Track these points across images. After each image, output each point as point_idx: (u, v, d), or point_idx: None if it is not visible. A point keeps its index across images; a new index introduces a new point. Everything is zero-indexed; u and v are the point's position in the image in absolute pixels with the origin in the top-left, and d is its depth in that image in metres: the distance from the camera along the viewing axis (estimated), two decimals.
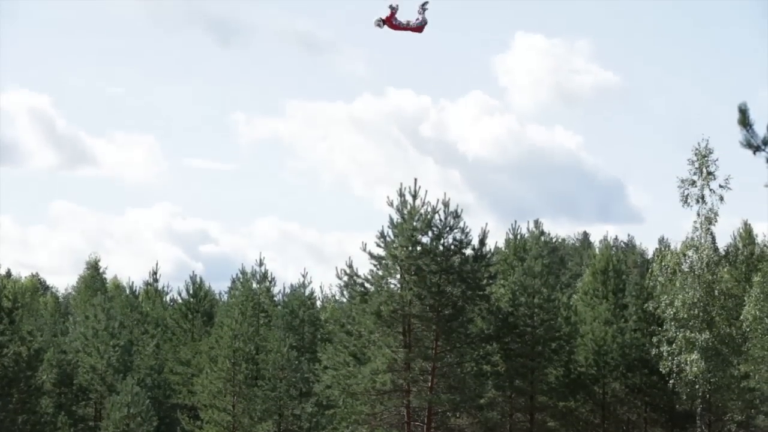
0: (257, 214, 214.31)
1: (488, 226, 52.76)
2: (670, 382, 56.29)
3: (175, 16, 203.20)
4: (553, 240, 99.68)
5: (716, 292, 56.61)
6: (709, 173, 56.39)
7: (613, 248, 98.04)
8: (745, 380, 56.46)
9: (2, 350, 56.95)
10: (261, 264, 73.07)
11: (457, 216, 50.69)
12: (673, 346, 55.95)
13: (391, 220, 50.43)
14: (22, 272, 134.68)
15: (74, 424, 63.79)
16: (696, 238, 56.73)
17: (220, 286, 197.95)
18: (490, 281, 52.27)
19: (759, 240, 68.10)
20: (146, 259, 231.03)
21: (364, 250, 50.12)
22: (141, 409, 58.35)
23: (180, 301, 74.06)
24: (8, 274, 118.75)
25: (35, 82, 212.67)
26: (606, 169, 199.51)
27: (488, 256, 52.13)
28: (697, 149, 56.78)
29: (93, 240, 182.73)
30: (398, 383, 49.57)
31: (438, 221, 50.50)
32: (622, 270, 65.17)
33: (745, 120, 14.14)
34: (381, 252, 50.21)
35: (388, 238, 50.19)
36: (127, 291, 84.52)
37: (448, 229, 50.59)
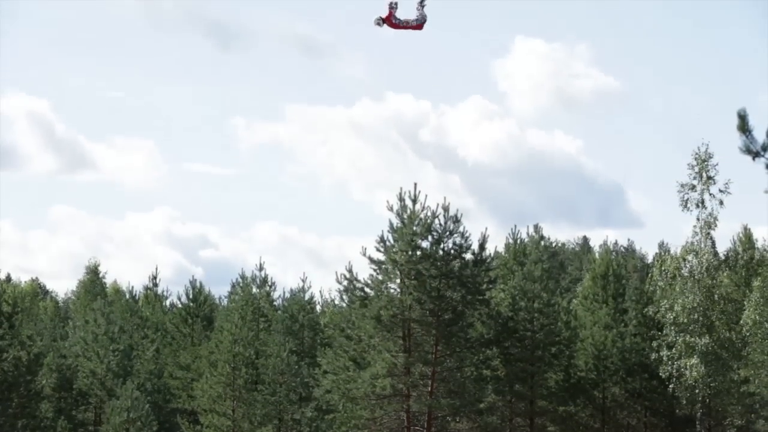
0: (257, 219, 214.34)
1: (488, 231, 52.93)
2: (670, 386, 56.28)
3: (175, 20, 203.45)
4: (553, 244, 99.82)
5: (716, 297, 56.63)
6: (709, 178, 56.41)
7: (613, 253, 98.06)
8: (745, 385, 56.46)
9: (2, 355, 56.95)
10: (261, 269, 73.15)
11: (456, 220, 50.72)
12: (673, 350, 55.95)
13: (391, 224, 50.44)
14: (21, 277, 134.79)
15: (74, 429, 63.79)
16: (696, 243, 56.75)
17: (219, 290, 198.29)
18: (490, 286, 52.27)
19: (759, 244, 68.09)
20: (146, 263, 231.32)
21: (364, 254, 50.18)
22: (141, 413, 58.32)
23: (180, 305, 74.06)
24: (8, 278, 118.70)
25: (34, 86, 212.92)
26: (606, 173, 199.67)
27: (488, 260, 52.15)
28: (697, 154, 56.82)
29: (93, 244, 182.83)
30: (398, 388, 49.56)
31: (438, 226, 50.53)
32: (622, 274, 65.14)
33: (744, 126, 14.14)
34: (381, 256, 50.22)
35: (387, 243, 50.20)
36: (127, 295, 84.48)
37: (448, 233, 50.61)
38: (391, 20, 29.67)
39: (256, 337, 60.95)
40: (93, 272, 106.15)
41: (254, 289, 70.58)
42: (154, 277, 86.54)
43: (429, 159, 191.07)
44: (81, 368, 66.75)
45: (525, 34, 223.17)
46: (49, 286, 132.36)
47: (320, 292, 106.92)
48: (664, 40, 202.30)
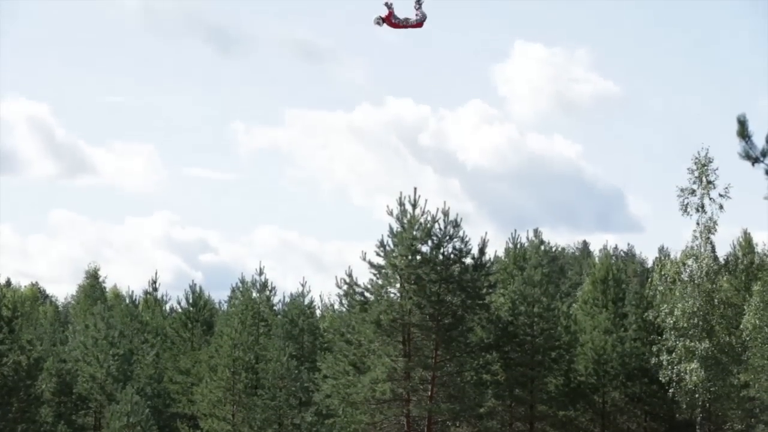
0: (257, 223, 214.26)
1: (488, 235, 52.86)
2: (670, 391, 56.28)
3: (174, 24, 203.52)
4: (553, 249, 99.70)
5: (716, 301, 56.64)
6: (709, 182, 56.44)
7: (613, 257, 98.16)
8: (745, 389, 56.44)
9: (2, 359, 56.93)
10: (261, 273, 73.06)
11: (456, 225, 50.75)
12: (673, 355, 55.95)
13: (391, 229, 50.48)
14: (21, 281, 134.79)
15: None
16: (696, 247, 56.77)
17: (219, 295, 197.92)
18: (490, 290, 52.29)
19: (759, 249, 68.12)
20: (146, 268, 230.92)
21: (364, 259, 50.20)
22: (140, 418, 58.27)
23: (180, 310, 74.02)
24: (8, 283, 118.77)
25: (34, 90, 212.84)
26: (606, 178, 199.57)
27: (488, 265, 52.16)
28: (696, 158, 56.86)
29: (92, 249, 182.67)
30: (398, 392, 49.55)
31: (438, 230, 50.56)
32: (621, 279, 65.16)
33: (743, 131, 14.16)
34: (381, 261, 50.26)
35: (387, 247, 50.22)
36: (127, 300, 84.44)
37: (447, 238, 50.63)
38: (390, 20, 29.66)
39: (255, 342, 60.91)
40: (93, 277, 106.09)
41: (254, 294, 70.51)
42: (154, 282, 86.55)
43: (429, 163, 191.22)
44: (81, 373, 66.70)
45: (525, 38, 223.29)
46: (49, 291, 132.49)
47: (320, 296, 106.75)
48: (663, 44, 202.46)
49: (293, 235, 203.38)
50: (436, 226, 50.48)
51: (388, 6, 29.58)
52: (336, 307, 69.24)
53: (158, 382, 68.25)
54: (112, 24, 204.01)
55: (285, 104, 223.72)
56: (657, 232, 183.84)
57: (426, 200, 50.62)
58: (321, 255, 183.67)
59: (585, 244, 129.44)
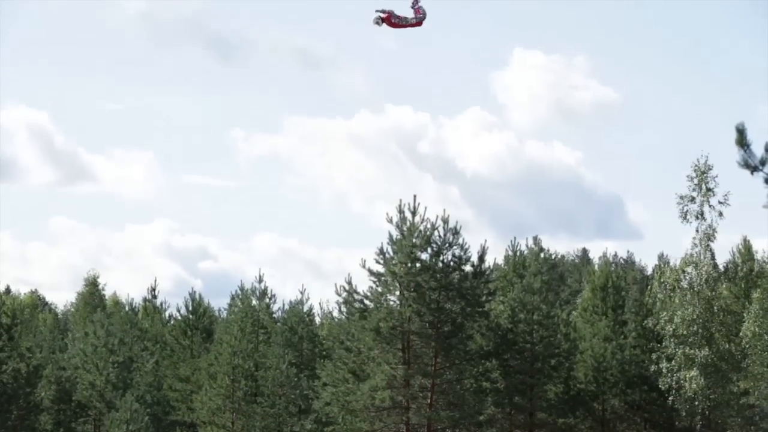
0: (256, 231, 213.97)
1: (487, 243, 52.80)
2: (670, 398, 56.24)
3: (174, 32, 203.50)
4: (553, 256, 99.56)
5: (715, 309, 56.62)
6: (709, 189, 56.44)
7: (613, 265, 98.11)
8: (745, 397, 56.41)
9: (1, 367, 56.99)
10: (261, 280, 73.03)
11: (456, 232, 50.77)
12: (673, 362, 55.92)
13: (391, 236, 50.49)
14: (21, 289, 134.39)
15: None
16: (695, 255, 56.76)
17: (218, 302, 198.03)
18: (490, 298, 52.29)
19: (758, 256, 68.03)
20: (145, 275, 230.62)
21: (364, 266, 50.22)
22: (140, 425, 58.28)
23: (179, 317, 73.98)
24: (7, 290, 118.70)
25: (34, 98, 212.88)
26: (605, 185, 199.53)
27: (487, 272, 52.17)
28: (696, 165, 56.87)
29: (92, 256, 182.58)
30: (397, 400, 49.53)
31: (437, 238, 50.58)
32: (621, 286, 65.12)
33: (742, 140, 14.18)
34: (380, 269, 50.26)
35: (387, 255, 50.23)
36: (127, 308, 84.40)
37: (447, 245, 50.66)
38: (390, 19, 29.67)
39: (255, 349, 60.90)
40: (92, 284, 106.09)
41: (254, 301, 70.49)
42: (153, 289, 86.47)
43: (428, 171, 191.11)
44: (80, 380, 66.69)
45: (524, 45, 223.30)
46: (49, 298, 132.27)
47: (320, 304, 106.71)
48: (662, 50, 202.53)
49: (293, 242, 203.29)
50: (436, 233, 50.52)
51: (384, 11, 29.59)
52: (335, 314, 69.21)
53: (158, 389, 68.21)
54: (112, 31, 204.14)
55: (284, 111, 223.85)
56: (656, 240, 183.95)
57: (426, 208, 50.71)
58: (320, 262, 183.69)
59: (584, 251, 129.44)
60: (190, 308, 72.67)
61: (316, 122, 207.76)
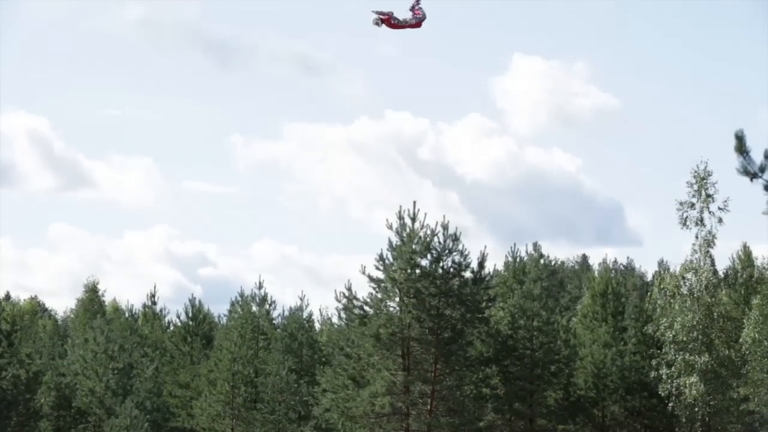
0: (255, 237, 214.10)
1: (487, 249, 52.79)
2: (670, 405, 56.20)
3: (173, 38, 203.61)
4: (553, 263, 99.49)
5: (715, 315, 56.58)
6: (708, 195, 56.41)
7: (613, 271, 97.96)
8: (745, 403, 56.38)
9: (1, 373, 56.96)
10: (260, 287, 72.98)
11: (456, 239, 50.76)
12: (673, 368, 55.89)
13: (390, 242, 50.49)
14: (20, 295, 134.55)
15: None
16: (695, 261, 56.73)
17: (218, 308, 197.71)
18: (489, 304, 52.28)
19: (758, 262, 68.03)
20: (145, 281, 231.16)
21: (363, 272, 50.21)
22: None
23: (179, 324, 73.97)
24: (7, 296, 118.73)
25: (34, 103, 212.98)
26: (605, 191, 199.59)
27: (487, 278, 52.18)
28: (695, 171, 56.84)
29: (91, 262, 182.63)
30: (397, 406, 49.50)
31: (437, 244, 50.58)
32: (621, 293, 65.07)
33: (741, 147, 14.18)
34: (380, 275, 50.24)
35: (387, 261, 50.23)
36: (126, 314, 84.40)
37: (447, 251, 50.65)
38: (390, 21, 29.68)
39: (255, 356, 60.89)
40: (92, 290, 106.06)
41: (253, 308, 70.47)
42: (153, 295, 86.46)
43: (428, 177, 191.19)
44: (80, 386, 66.66)
45: (523, 51, 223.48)
46: (48, 304, 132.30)
47: (320, 310, 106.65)
48: (662, 57, 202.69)
49: (292, 248, 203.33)
50: (436, 239, 50.52)
51: (381, 14, 29.58)
52: (335, 320, 69.20)
53: (157, 396, 68.18)
54: (111, 37, 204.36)
55: (284, 117, 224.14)
56: (656, 246, 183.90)
57: (425, 214, 50.71)
58: (320, 269, 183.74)
59: (584, 257, 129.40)
60: (190, 314, 72.67)
61: (315, 128, 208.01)
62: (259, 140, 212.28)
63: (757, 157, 14.45)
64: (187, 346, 71.16)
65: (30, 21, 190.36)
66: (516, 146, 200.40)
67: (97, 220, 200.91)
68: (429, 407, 49.35)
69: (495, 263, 66.77)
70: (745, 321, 56.44)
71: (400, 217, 50.68)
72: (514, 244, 68.04)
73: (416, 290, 49.48)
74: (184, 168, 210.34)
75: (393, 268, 49.97)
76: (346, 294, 50.94)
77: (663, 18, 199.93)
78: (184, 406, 64.88)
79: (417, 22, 29.90)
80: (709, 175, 56.61)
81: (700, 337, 55.55)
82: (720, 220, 56.22)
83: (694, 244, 56.71)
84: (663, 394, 56.22)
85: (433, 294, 49.59)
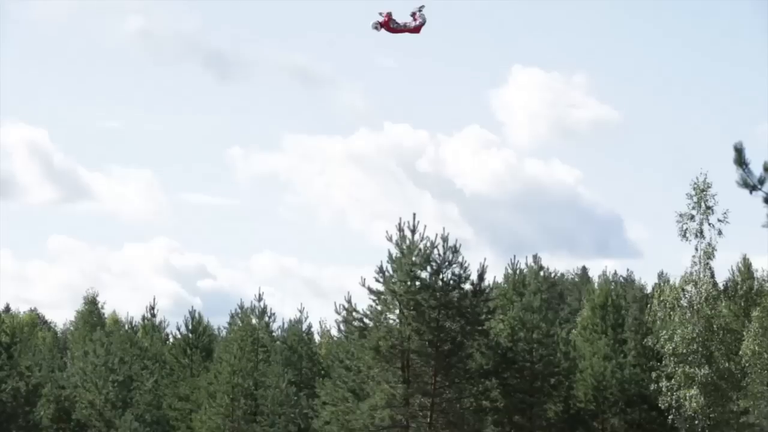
0: (255, 249, 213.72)
1: (487, 261, 52.80)
2: (670, 417, 56.14)
3: (173, 50, 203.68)
4: (552, 275, 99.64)
5: (715, 327, 56.53)
6: (708, 207, 56.41)
7: (612, 283, 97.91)
8: (745, 416, 56.32)
9: (0, 385, 56.88)
10: (260, 299, 72.91)
11: (455, 251, 50.78)
12: (673, 381, 55.83)
13: (390, 255, 50.48)
14: (20, 307, 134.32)
15: None
16: (695, 273, 56.70)
17: (218, 321, 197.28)
18: (489, 316, 52.27)
19: (758, 275, 67.93)
20: (144, 294, 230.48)
21: (363, 285, 50.22)
22: None
23: (179, 336, 73.91)
24: (7, 308, 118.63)
25: (33, 115, 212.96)
26: (604, 203, 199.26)
27: (487, 291, 52.17)
28: (695, 183, 56.85)
29: (91, 275, 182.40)
30: (397, 419, 49.47)
31: (437, 256, 50.58)
32: (621, 305, 65.05)
33: (740, 159, 14.21)
34: (380, 287, 50.25)
35: (386, 273, 50.22)
36: (126, 326, 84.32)
37: (446, 264, 50.66)
38: (389, 25, 29.68)
39: (255, 368, 60.82)
40: (91, 302, 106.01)
41: (253, 320, 70.43)
42: (152, 308, 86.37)
43: (427, 189, 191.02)
44: (79, 399, 66.57)
45: (522, 63, 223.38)
46: (48, 317, 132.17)
47: (320, 323, 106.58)
48: (662, 68, 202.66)
49: (292, 260, 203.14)
50: (435, 251, 50.54)
51: (381, 18, 29.59)
52: (334, 333, 69.18)
53: (157, 408, 68.07)
54: (111, 49, 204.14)
55: (283, 129, 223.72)
56: (656, 258, 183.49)
57: (425, 226, 50.72)
58: (319, 281, 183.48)
59: (584, 269, 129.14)
60: (190, 327, 72.63)
61: (315, 140, 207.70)
62: (259, 152, 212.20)
63: (757, 170, 14.48)
64: (187, 358, 71.09)
65: (30, 33, 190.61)
66: (515, 158, 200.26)
67: (96, 232, 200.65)
68: (429, 420, 49.30)
69: (495, 275, 66.95)
70: (744, 333, 56.40)
71: (400, 229, 50.70)
72: (514, 256, 67.99)
73: (416, 302, 49.46)
74: (183, 180, 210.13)
75: (393, 281, 49.98)
76: (346, 306, 50.95)
77: (663, 30, 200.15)
78: (183, 419, 64.78)
79: (416, 27, 29.89)
80: (709, 187, 56.65)
81: (700, 349, 55.50)
82: (720, 232, 56.24)
83: (693, 256, 56.71)
84: (663, 407, 56.16)
85: (432, 306, 49.58)
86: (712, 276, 57.32)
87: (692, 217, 56.50)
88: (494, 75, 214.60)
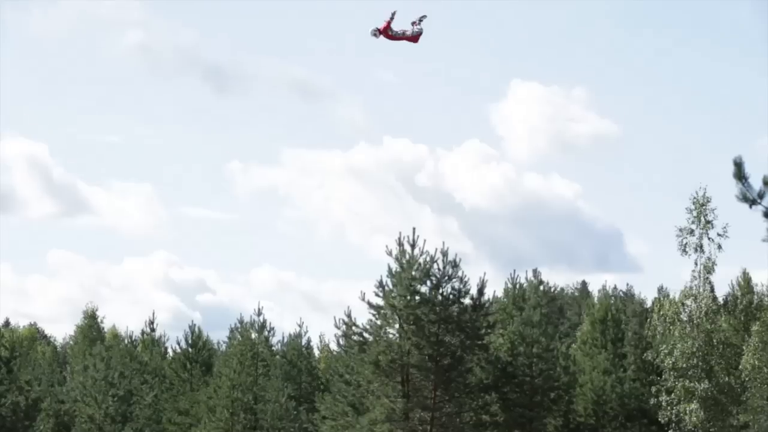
0: (254, 264, 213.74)
1: (486, 276, 52.78)
2: (669, 431, 56.14)
3: (172, 63, 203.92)
4: (552, 289, 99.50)
5: (715, 342, 56.51)
6: (708, 222, 56.40)
7: (612, 297, 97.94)
8: (745, 430, 56.28)
9: (0, 400, 56.84)
10: (260, 313, 72.91)
11: (455, 265, 50.77)
12: (672, 395, 55.81)
13: (390, 269, 50.49)
14: (20, 321, 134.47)
15: None
16: (695, 287, 56.69)
17: (217, 335, 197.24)
18: (489, 331, 52.26)
19: (758, 289, 67.95)
20: (144, 308, 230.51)
21: (363, 299, 50.20)
22: None
23: (178, 350, 73.92)
24: (6, 323, 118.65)
25: (33, 130, 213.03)
26: (604, 218, 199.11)
27: (487, 305, 52.17)
28: (695, 198, 56.87)
29: (90, 289, 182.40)
30: None
31: (436, 270, 50.58)
32: (620, 319, 65.08)
33: (740, 174, 14.24)
34: (379, 301, 50.24)
35: (386, 288, 50.23)
36: (126, 341, 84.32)
37: (446, 278, 50.66)
38: (387, 32, 29.74)
39: (254, 383, 60.80)
40: (91, 317, 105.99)
41: (253, 334, 70.43)
42: (151, 322, 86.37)
43: (426, 203, 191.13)
44: (79, 414, 66.54)
45: (521, 77, 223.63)
46: (48, 331, 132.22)
47: (319, 337, 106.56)
48: (661, 83, 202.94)
49: (291, 275, 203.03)
50: (435, 266, 50.54)
51: (387, 30, 29.65)
52: (334, 347, 69.19)
53: (157, 422, 68.04)
54: (110, 63, 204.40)
55: (282, 143, 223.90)
56: (656, 272, 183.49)
57: (425, 240, 50.73)
58: (318, 295, 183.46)
59: (584, 284, 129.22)
60: (190, 341, 72.63)
61: (314, 154, 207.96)
62: (258, 166, 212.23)
63: (756, 184, 14.50)
64: (187, 372, 71.08)
65: (29, 47, 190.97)
66: (515, 172, 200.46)
67: (96, 246, 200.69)
68: None
69: (494, 290, 66.90)
70: (744, 348, 56.39)
71: (400, 244, 50.72)
72: (514, 271, 68.07)
73: (416, 317, 49.46)
74: (183, 194, 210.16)
75: (392, 295, 49.98)
76: (346, 321, 50.96)
77: (662, 44, 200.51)
78: None
79: (414, 36, 29.96)
80: (708, 202, 56.64)
81: (700, 363, 55.48)
82: (719, 247, 56.22)
83: (693, 271, 56.69)
84: (663, 421, 56.11)
85: (432, 321, 49.58)
86: (712, 290, 57.33)
87: (692, 232, 56.50)
88: (493, 89, 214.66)
